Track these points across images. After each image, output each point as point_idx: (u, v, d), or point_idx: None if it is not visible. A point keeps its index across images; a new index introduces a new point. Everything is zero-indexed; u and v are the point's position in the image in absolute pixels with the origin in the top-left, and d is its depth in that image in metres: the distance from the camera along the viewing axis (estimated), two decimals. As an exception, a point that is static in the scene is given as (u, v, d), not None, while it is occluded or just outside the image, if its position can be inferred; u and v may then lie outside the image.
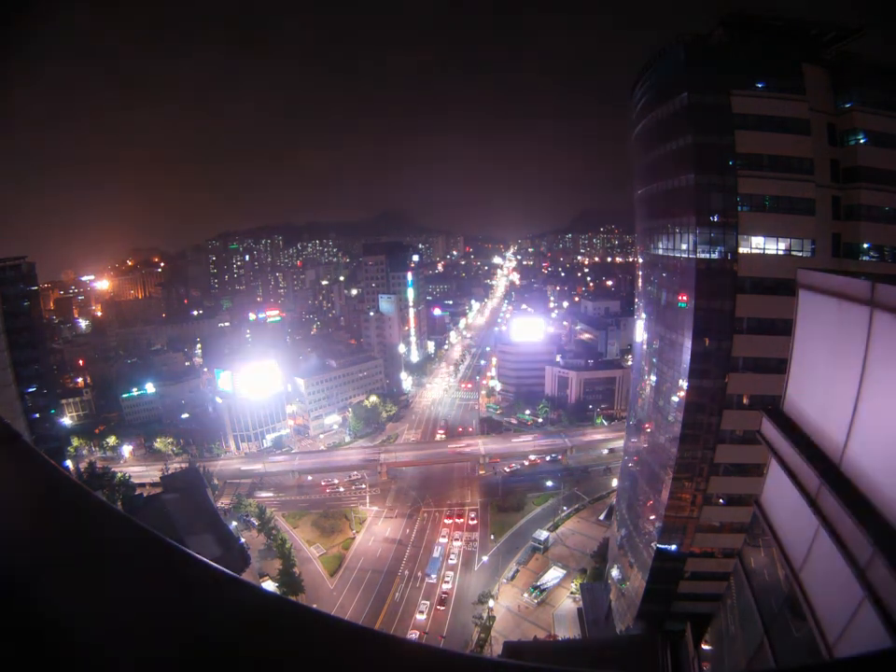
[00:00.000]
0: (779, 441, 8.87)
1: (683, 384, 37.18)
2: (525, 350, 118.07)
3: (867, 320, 6.71)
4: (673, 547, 40.29)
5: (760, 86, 34.46)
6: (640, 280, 50.72)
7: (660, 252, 42.31)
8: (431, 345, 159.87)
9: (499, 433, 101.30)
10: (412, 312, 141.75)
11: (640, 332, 50.45)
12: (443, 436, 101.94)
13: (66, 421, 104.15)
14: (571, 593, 59.10)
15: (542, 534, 68.38)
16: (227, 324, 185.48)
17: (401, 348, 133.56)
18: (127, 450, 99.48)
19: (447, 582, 61.51)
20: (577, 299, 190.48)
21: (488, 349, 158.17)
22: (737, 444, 36.00)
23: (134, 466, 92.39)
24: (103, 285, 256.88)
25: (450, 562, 64.91)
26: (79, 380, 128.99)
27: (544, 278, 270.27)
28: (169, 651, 1.38)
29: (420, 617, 56.36)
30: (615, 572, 51.53)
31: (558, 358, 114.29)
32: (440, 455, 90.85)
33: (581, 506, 77.42)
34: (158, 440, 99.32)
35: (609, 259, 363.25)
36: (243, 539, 61.58)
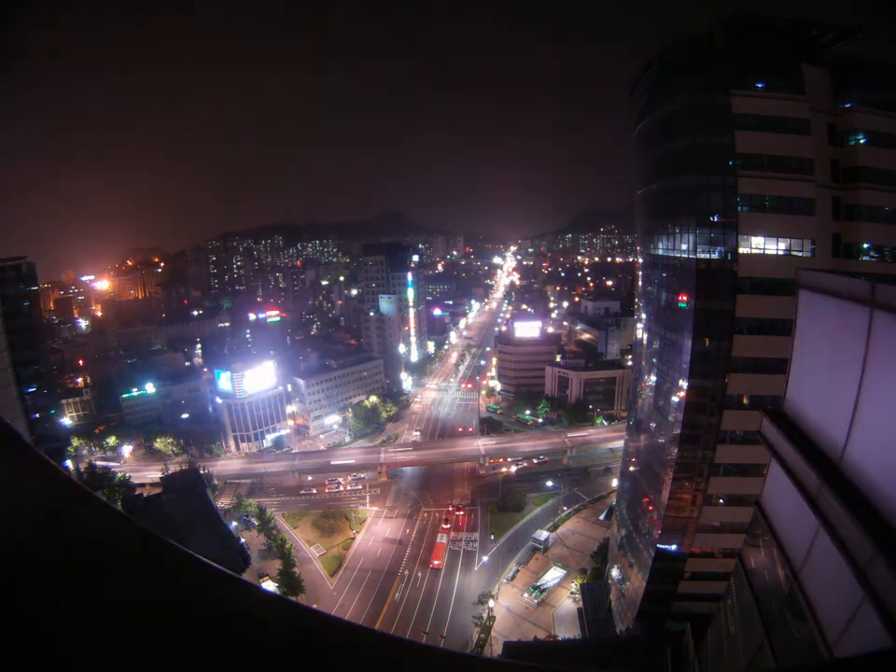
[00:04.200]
0: (779, 441, 8.85)
1: (683, 384, 37.17)
2: (524, 350, 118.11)
3: (867, 320, 6.70)
4: (673, 547, 40.27)
5: (760, 86, 34.42)
6: (640, 280, 50.70)
7: (660, 252, 42.28)
8: (431, 345, 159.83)
9: (499, 433, 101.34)
10: (412, 312, 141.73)
11: (640, 332, 50.43)
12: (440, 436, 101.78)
13: (66, 421, 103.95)
14: (571, 593, 59.09)
15: (542, 534, 68.41)
16: (227, 324, 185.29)
17: (401, 348, 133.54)
18: (127, 450, 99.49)
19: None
20: (577, 299, 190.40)
21: (488, 349, 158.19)
22: (737, 444, 36.01)
23: (134, 466, 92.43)
24: (103, 285, 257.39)
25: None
26: (79, 380, 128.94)
27: (544, 278, 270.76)
28: (169, 651, 1.38)
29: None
30: (615, 572, 51.52)
31: (558, 358, 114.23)
32: (439, 456, 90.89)
33: (580, 506, 77.44)
34: (158, 440, 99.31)
35: (609, 259, 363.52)
36: (243, 540, 61.59)
